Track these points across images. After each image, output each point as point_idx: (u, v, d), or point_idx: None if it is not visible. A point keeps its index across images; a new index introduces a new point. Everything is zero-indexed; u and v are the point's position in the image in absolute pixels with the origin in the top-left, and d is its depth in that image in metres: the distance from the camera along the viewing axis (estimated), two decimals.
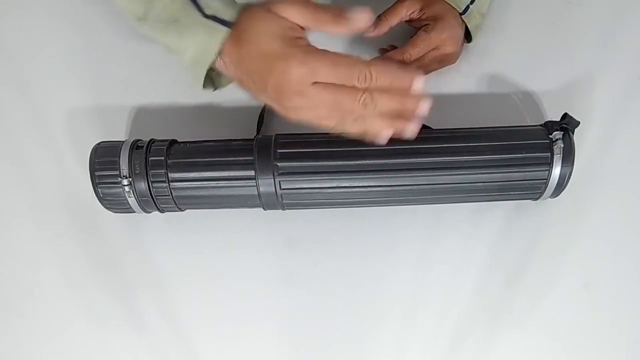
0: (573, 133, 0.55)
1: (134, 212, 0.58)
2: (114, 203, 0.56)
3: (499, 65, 0.67)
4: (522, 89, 0.66)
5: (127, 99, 0.66)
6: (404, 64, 0.61)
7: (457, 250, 0.61)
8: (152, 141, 0.57)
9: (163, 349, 0.60)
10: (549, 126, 0.55)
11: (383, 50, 0.66)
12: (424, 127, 0.61)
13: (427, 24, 0.60)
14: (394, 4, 0.61)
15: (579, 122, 0.55)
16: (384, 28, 0.60)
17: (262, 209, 0.58)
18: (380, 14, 0.60)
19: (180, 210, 0.59)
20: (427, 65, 0.62)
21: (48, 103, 0.66)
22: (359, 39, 0.67)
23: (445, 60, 0.63)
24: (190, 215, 0.61)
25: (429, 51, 0.60)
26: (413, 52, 0.60)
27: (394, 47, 0.65)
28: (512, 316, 0.60)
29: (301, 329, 0.60)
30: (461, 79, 0.66)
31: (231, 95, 0.66)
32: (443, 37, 0.59)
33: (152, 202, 0.56)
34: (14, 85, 0.67)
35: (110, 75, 0.67)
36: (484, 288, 0.60)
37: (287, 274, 0.61)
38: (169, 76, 0.67)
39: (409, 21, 0.61)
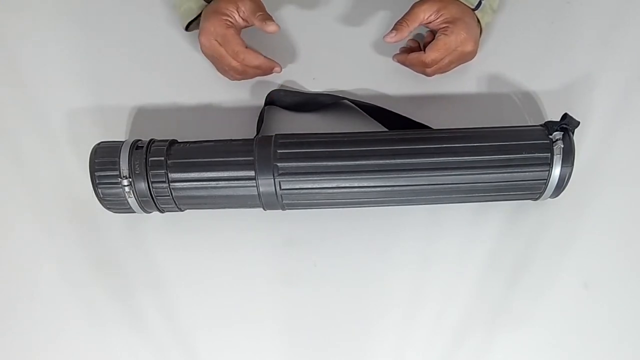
0: (573, 133, 0.55)
1: (134, 212, 0.58)
2: (114, 203, 0.56)
3: (499, 65, 0.67)
4: (522, 89, 0.66)
5: (127, 99, 0.66)
6: (425, 66, 0.62)
7: (457, 250, 0.61)
8: (152, 141, 0.57)
9: (163, 348, 0.60)
10: (549, 126, 0.55)
11: (404, 49, 0.66)
12: (424, 127, 0.62)
13: (446, 26, 0.60)
14: (411, 9, 0.61)
15: (579, 122, 0.55)
16: (405, 33, 0.60)
17: (262, 209, 0.58)
18: (400, 20, 0.61)
19: (180, 210, 0.59)
20: (447, 66, 0.63)
21: (48, 103, 0.66)
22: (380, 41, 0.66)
23: (463, 59, 0.63)
24: (190, 215, 0.61)
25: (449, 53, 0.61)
26: (434, 56, 0.60)
27: (415, 43, 0.66)
28: (512, 316, 0.60)
29: (301, 328, 0.60)
30: (461, 79, 0.66)
31: (231, 95, 0.66)
32: (462, 39, 0.60)
33: (152, 202, 0.56)
34: (14, 85, 0.67)
35: (110, 75, 0.67)
36: (484, 288, 0.60)
37: (287, 274, 0.61)
38: (169, 76, 0.67)
39: (427, 23, 0.61)
